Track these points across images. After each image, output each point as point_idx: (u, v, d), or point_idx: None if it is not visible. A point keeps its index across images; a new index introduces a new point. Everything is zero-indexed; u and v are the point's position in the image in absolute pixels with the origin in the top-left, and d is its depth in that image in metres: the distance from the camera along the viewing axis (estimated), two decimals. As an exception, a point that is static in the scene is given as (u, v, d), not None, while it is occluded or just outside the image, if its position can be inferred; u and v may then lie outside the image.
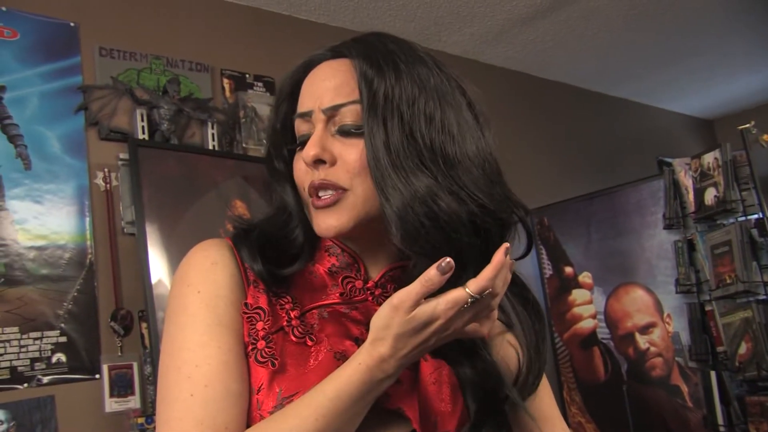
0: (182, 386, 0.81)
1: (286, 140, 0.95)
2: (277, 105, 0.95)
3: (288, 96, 0.95)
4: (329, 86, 0.89)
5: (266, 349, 0.85)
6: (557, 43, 3.91)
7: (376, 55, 0.88)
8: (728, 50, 4.31)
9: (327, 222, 0.87)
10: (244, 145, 2.87)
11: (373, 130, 0.83)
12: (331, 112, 0.88)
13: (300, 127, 0.91)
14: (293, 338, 0.87)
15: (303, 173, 0.89)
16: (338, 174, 0.86)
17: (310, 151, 0.86)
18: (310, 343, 0.88)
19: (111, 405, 2.31)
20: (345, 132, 0.87)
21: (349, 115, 0.87)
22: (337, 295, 0.93)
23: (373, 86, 0.85)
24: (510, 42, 3.83)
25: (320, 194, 0.87)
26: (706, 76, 4.75)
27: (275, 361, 0.85)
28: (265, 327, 0.87)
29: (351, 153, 0.86)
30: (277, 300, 0.90)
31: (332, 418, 0.77)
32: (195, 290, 0.87)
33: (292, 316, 0.89)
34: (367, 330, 0.80)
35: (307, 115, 0.90)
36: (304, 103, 0.91)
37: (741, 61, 4.54)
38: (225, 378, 0.82)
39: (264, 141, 2.96)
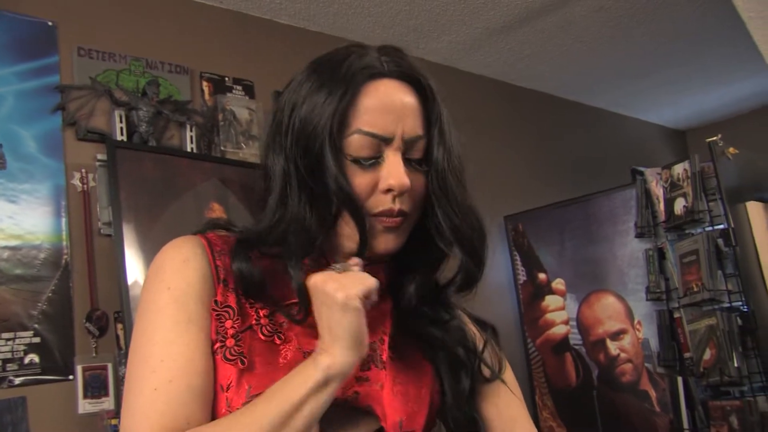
0: (147, 379, 0.83)
1: (335, 148, 0.90)
2: (334, 110, 0.90)
3: (347, 100, 0.91)
4: (410, 114, 0.93)
5: (235, 347, 0.88)
6: (535, 53, 3.96)
7: (431, 87, 0.95)
8: (701, 63, 4.39)
9: (390, 243, 0.94)
10: (222, 147, 2.89)
11: (441, 164, 0.94)
12: (409, 143, 0.92)
13: (364, 144, 0.91)
14: (261, 336, 0.90)
15: (370, 190, 0.92)
16: (406, 201, 0.93)
17: (404, 181, 0.90)
18: (278, 341, 0.91)
19: (84, 406, 2.31)
20: (414, 164, 0.94)
21: (419, 149, 0.94)
22: None
23: (440, 123, 0.94)
24: (488, 50, 3.88)
25: (390, 217, 0.93)
26: (680, 87, 4.83)
27: (244, 359, 0.87)
28: (234, 325, 0.89)
29: (419, 184, 0.94)
30: (246, 299, 0.92)
31: (288, 414, 0.80)
32: (165, 286, 0.89)
33: (261, 315, 0.91)
34: None
35: (386, 140, 0.91)
36: (381, 125, 0.90)
37: (713, 74, 4.63)
38: (189, 374, 0.84)
39: (242, 144, 3.00)
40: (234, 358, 0.87)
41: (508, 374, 1.08)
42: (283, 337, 0.91)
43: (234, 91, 3.04)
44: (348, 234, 0.92)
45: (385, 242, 0.93)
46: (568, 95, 4.68)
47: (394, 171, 0.90)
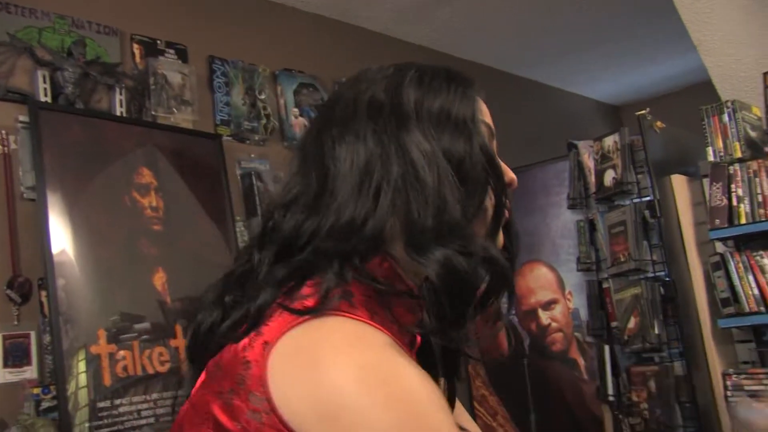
0: None
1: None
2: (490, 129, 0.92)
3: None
4: None
5: None
6: (474, 23, 3.97)
7: None
8: (635, 40, 4.47)
9: None
10: (153, 112, 2.82)
11: None
12: None
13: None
14: None
15: None
16: None
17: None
18: None
19: (4, 375, 2.25)
20: None
21: None
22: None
23: None
24: (427, 20, 3.86)
25: None
26: (614, 63, 4.91)
27: None
28: None
29: None
30: None
31: None
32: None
33: None
34: None
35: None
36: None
37: (646, 52, 4.72)
38: None
39: (173, 109, 2.93)
40: None
41: None
42: None
43: (166, 55, 2.96)
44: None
45: None
46: (507, 68, 4.71)
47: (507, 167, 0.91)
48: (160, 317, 2.57)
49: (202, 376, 0.84)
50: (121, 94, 2.68)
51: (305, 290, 0.80)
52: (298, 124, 3.42)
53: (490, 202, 0.87)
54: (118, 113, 2.66)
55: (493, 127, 0.92)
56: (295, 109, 3.43)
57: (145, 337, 2.50)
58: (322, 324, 0.76)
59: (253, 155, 3.22)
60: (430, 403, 0.71)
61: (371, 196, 0.82)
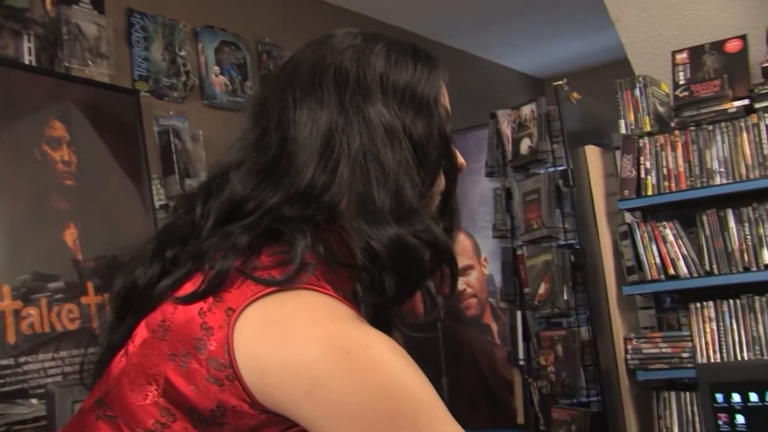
0: None
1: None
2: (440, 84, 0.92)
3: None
4: None
5: None
6: (400, -11, 3.97)
7: None
8: (560, 14, 4.55)
9: None
10: (66, 63, 2.72)
11: None
12: None
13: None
14: None
15: None
16: None
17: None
18: None
19: None
20: None
21: None
22: None
23: None
24: (354, -17, 3.84)
25: None
26: (540, 36, 4.99)
27: None
28: None
29: None
30: None
31: None
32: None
33: None
34: None
35: None
36: None
37: (568, 26, 4.81)
38: None
39: (88, 62, 2.83)
40: None
41: None
42: None
43: (80, 4, 2.85)
44: None
45: None
46: (431, 35, 4.71)
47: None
48: (74, 275, 2.52)
49: (143, 334, 0.82)
50: (29, 41, 2.57)
51: (265, 259, 0.79)
52: (219, 82, 3.36)
53: (439, 185, 0.89)
54: (26, 62, 2.56)
55: (450, 111, 0.93)
56: (216, 67, 3.37)
57: (58, 296, 2.44)
58: (293, 297, 0.76)
59: (171, 112, 3.16)
60: (408, 370, 0.75)
61: (330, 167, 0.81)
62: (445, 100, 0.92)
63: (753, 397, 1.33)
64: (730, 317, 2.56)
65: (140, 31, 3.07)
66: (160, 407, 0.76)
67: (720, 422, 1.34)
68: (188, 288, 0.80)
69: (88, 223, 2.59)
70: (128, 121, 2.88)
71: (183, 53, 3.20)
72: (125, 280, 0.87)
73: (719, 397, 1.34)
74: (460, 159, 0.93)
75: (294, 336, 0.73)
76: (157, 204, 2.91)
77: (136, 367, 0.79)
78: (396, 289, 0.83)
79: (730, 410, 1.34)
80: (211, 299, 0.77)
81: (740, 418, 1.34)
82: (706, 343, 2.58)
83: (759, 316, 2.51)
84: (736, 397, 1.34)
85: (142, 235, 0.93)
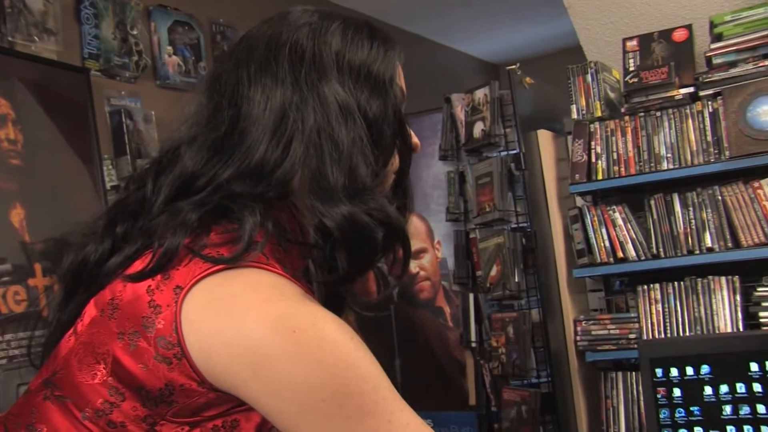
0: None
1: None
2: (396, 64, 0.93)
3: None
4: None
5: None
6: (356, -28, 3.95)
7: None
8: (516, 0, 4.58)
9: None
10: (10, 38, 2.64)
11: None
12: None
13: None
14: None
15: None
16: None
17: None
18: None
19: None
20: None
21: None
22: None
23: None
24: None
25: None
26: (494, 21, 5.02)
27: None
28: None
29: None
30: None
31: None
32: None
33: None
34: None
35: None
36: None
37: (523, 13, 4.85)
38: None
39: (34, 37, 2.76)
40: None
41: None
42: None
43: (26, -22, 2.77)
44: None
45: None
46: (388, 19, 4.71)
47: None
48: (22, 258, 2.46)
49: (92, 312, 0.81)
50: (-28, 15, 2.50)
51: (214, 236, 0.79)
52: (172, 62, 3.31)
53: (393, 164, 0.89)
54: (-31, 37, 2.49)
55: (405, 92, 0.93)
56: (169, 47, 3.31)
57: (4, 278, 2.39)
58: (240, 275, 0.76)
59: (123, 92, 3.10)
60: (354, 349, 0.75)
61: (283, 144, 0.81)
62: (401, 80, 0.93)
63: (689, 371, 1.38)
64: (675, 299, 2.63)
65: (90, 8, 3.00)
66: (108, 386, 0.76)
67: (659, 396, 1.38)
68: (138, 266, 0.79)
69: (36, 204, 2.54)
70: (78, 100, 2.81)
71: (135, 32, 3.14)
72: (76, 256, 0.86)
73: (659, 371, 1.38)
74: (414, 138, 0.94)
75: (240, 314, 0.73)
76: (108, 185, 2.86)
77: (85, 346, 0.79)
78: (348, 267, 0.83)
79: (669, 384, 1.39)
80: (159, 277, 0.77)
81: (677, 392, 1.39)
82: (652, 324, 2.65)
83: (701, 297, 2.59)
84: (674, 372, 1.39)
85: (93, 216, 0.92)
